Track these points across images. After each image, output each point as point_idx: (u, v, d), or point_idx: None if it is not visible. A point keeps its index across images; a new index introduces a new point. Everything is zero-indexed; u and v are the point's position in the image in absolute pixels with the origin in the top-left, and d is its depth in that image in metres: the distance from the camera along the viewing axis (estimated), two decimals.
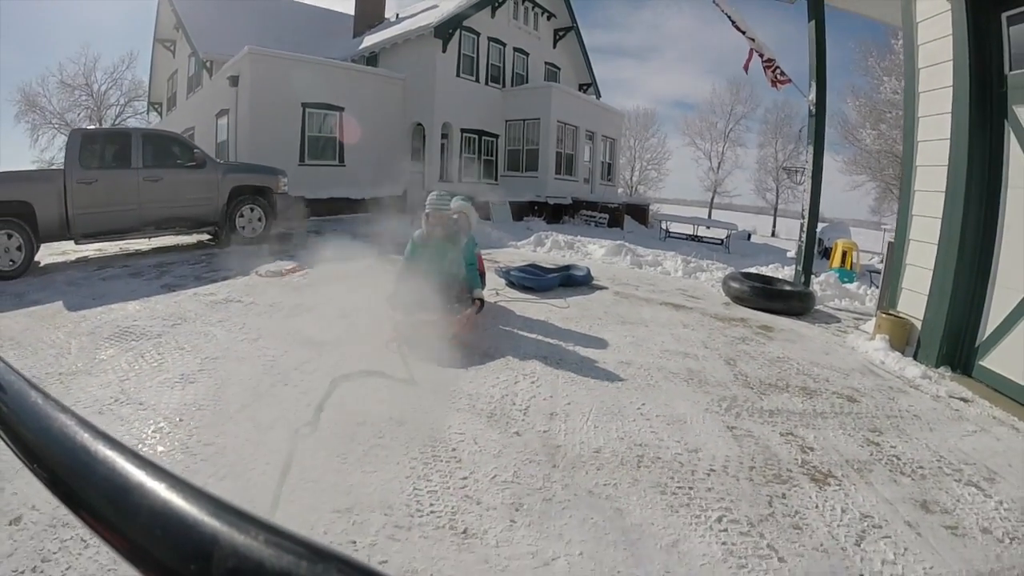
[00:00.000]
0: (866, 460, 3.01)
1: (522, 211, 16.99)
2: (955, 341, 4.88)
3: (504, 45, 19.42)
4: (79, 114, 36.95)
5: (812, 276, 7.71)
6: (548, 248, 10.63)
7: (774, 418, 3.47)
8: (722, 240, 15.75)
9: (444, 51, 16.94)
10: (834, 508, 2.53)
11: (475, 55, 18.30)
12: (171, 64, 23.68)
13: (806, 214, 7.31)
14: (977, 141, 4.79)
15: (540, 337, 4.94)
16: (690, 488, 2.63)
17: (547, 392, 3.71)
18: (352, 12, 23.52)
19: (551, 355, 4.47)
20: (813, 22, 7.47)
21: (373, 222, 13.03)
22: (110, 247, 9.09)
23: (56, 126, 36.43)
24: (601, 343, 4.83)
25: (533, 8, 20.59)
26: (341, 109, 16.21)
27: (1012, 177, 4.66)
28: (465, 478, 2.65)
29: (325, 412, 3.15)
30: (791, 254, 13.04)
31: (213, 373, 3.76)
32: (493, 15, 18.53)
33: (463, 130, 18.21)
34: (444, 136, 17.72)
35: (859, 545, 2.28)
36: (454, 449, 2.90)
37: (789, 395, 3.88)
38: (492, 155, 19.56)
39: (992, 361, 4.63)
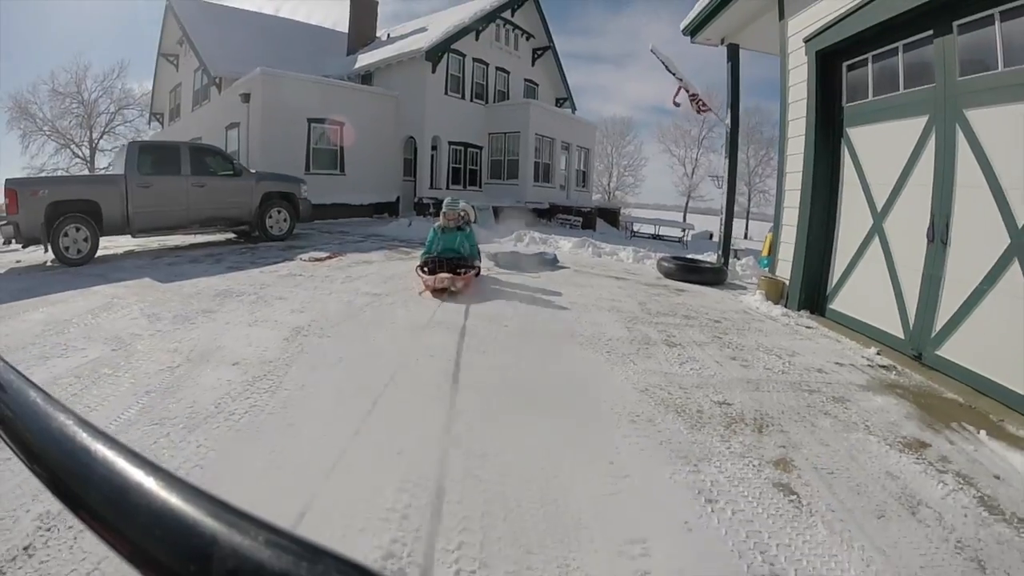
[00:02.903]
0: (706, 342, 5.17)
1: (503, 215, 18.74)
2: (811, 292, 7.00)
3: (487, 65, 21.47)
4: (70, 122, 37.93)
5: (735, 259, 9.83)
6: (527, 243, 12.62)
7: (657, 325, 5.69)
8: (680, 238, 17.94)
9: (433, 72, 18.93)
10: (673, 354, 4.75)
11: (461, 75, 20.32)
12: (174, 77, 25.21)
13: (723, 211, 9.43)
14: (821, 154, 6.91)
15: (518, 291, 7.07)
16: (595, 343, 4.90)
17: (523, 313, 5.97)
18: (344, 30, 25.35)
19: (525, 299, 6.66)
20: (730, 64, 9.67)
21: (373, 224, 15.11)
22: (150, 243, 10.73)
23: (47, 133, 37.31)
24: (559, 294, 7.01)
25: (514, 30, 22.64)
26: (341, 124, 18.06)
27: (846, 178, 6.78)
28: (481, 340, 4.91)
29: (395, 321, 5.20)
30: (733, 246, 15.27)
31: (312, 309, 5.81)
32: (477, 38, 20.50)
33: (450, 142, 20.22)
34: (433, 148, 19.65)
35: (679, 366, 4.43)
36: (473, 332, 5.12)
37: (674, 318, 6.07)
38: (476, 165, 21.57)
39: (836, 304, 6.76)
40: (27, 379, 0.48)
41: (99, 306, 5.86)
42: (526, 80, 23.81)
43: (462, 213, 7.47)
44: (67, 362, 4.18)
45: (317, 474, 2.55)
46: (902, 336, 5.57)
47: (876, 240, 6.13)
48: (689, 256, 10.37)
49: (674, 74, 9.25)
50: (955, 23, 5.11)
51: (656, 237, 18.43)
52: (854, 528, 2.45)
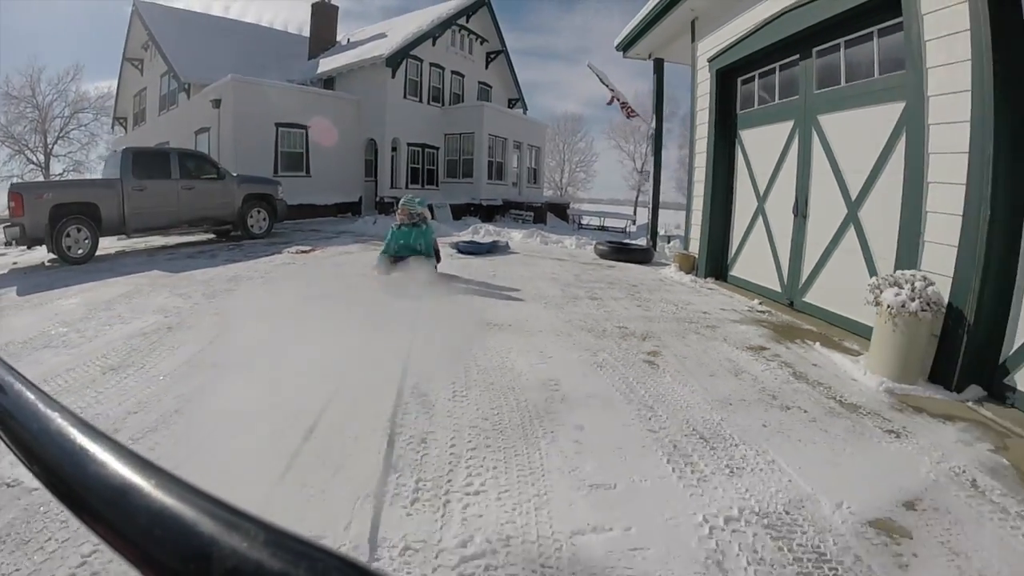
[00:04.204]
0: (622, 297, 6.86)
1: (460, 212, 20.21)
2: (715, 262, 8.72)
3: (443, 69, 22.80)
4: (24, 127, 36.73)
5: (665, 243, 11.52)
6: (482, 235, 14.12)
7: (586, 289, 7.46)
8: (624, 228, 19.73)
9: (393, 77, 20.17)
10: (594, 304, 6.47)
11: (419, 79, 21.62)
12: (139, 81, 25.69)
13: (650, 203, 11.12)
14: (720, 152, 8.61)
15: (477, 270, 8.70)
16: (536, 299, 6.60)
17: (481, 282, 7.66)
18: (304, 33, 26.57)
19: (483, 274, 8.33)
20: (656, 75, 11.41)
21: (340, 223, 16.39)
22: (137, 244, 11.53)
23: (1, 139, 36.17)
24: (510, 273, 8.63)
25: (469, 35, 24.03)
26: (307, 127, 19.20)
27: (739, 171, 8.47)
28: (451, 297, 6.52)
29: (385, 289, 6.66)
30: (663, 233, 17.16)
31: (318, 285, 7.30)
32: (434, 44, 21.80)
33: (409, 144, 21.49)
34: (393, 149, 20.89)
35: (596, 310, 6.11)
36: (445, 293, 6.64)
37: (600, 284, 7.82)
38: (433, 164, 22.90)
39: (735, 271, 8.51)
40: (26, 380, 0.49)
41: (127, 292, 6.82)
42: (480, 83, 25.21)
43: (421, 211, 7.82)
44: (129, 327, 5.30)
45: (356, 354, 4.10)
46: (779, 290, 7.31)
47: (760, 218, 7.84)
48: (622, 240, 12.03)
49: (607, 86, 10.88)
50: (814, 49, 6.78)
51: (602, 228, 20.28)
52: (690, 379, 4.13)
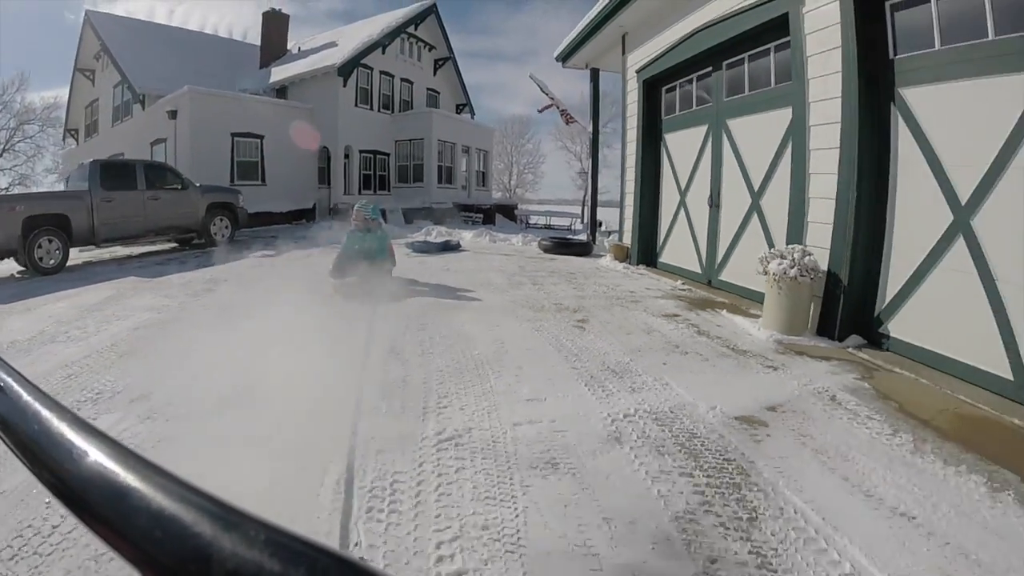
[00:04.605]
0: (560, 283, 7.99)
1: (412, 215, 20.85)
2: (646, 251, 9.84)
3: (393, 77, 23.56)
4: None
5: (605, 237, 12.61)
6: (434, 236, 14.97)
7: (529, 277, 8.55)
8: (568, 226, 20.88)
9: (345, 85, 20.86)
10: (535, 288, 7.55)
11: (369, 87, 22.35)
12: (91, 92, 25.54)
13: (589, 201, 12.18)
14: (648, 153, 9.73)
15: (431, 266, 9.65)
16: (485, 286, 7.66)
17: (436, 275, 8.58)
18: (249, 40, 27.04)
19: (436, 269, 9.27)
20: (592, 84, 12.51)
21: (297, 229, 16.92)
22: (102, 255, 11.83)
23: None
24: (462, 269, 9.60)
25: (417, 43, 24.88)
26: (261, 137, 19.76)
27: (664, 170, 9.59)
28: (414, 287, 7.26)
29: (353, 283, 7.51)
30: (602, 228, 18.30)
31: (293, 280, 8.04)
32: (384, 52, 22.54)
33: (361, 151, 22.19)
34: (346, 156, 21.58)
35: (536, 293, 7.18)
36: (406, 283, 7.42)
37: (542, 273, 8.93)
38: (385, 170, 23.68)
39: (663, 258, 9.63)
40: (27, 381, 0.49)
41: (111, 295, 7.19)
42: (428, 89, 26.04)
43: (374, 218, 7.90)
44: (126, 322, 5.84)
45: (337, 332, 5.00)
46: (699, 271, 8.41)
47: (682, 210, 8.94)
48: (564, 236, 13.08)
49: (548, 95, 11.90)
50: (724, 63, 7.86)
51: (548, 227, 21.40)
52: (610, 337, 5.21)
